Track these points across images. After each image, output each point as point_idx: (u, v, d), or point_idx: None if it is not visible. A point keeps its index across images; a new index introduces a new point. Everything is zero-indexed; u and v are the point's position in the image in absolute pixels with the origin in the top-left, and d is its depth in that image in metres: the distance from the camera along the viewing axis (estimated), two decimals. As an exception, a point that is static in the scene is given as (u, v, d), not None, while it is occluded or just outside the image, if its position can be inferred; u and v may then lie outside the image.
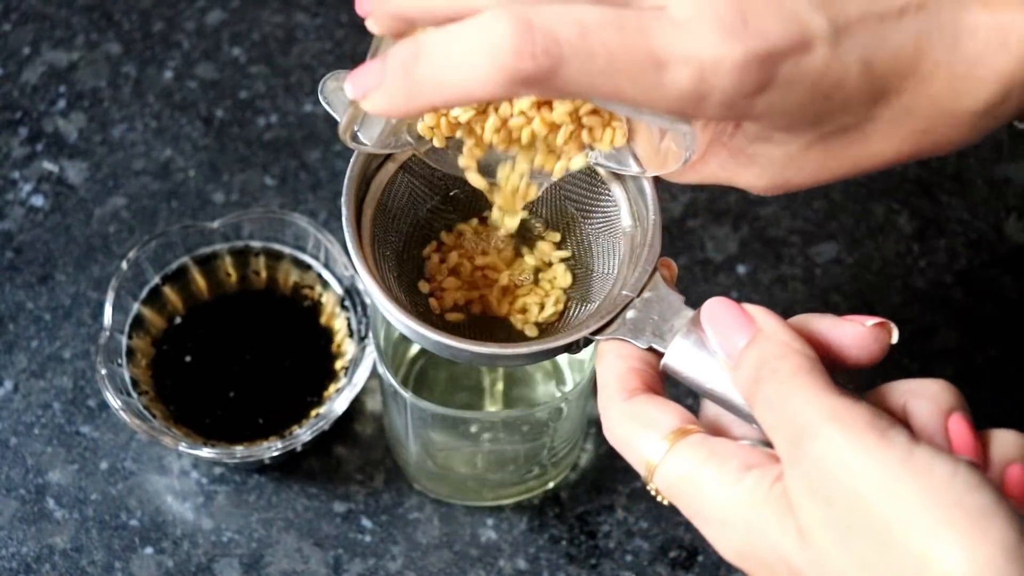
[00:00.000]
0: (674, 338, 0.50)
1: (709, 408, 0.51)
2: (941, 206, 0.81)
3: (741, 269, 0.78)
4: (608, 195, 0.56)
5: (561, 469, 0.72)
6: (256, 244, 0.74)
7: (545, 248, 0.58)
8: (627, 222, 0.56)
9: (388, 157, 0.56)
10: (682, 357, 0.49)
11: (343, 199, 0.54)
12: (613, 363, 0.50)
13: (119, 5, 0.87)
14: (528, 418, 0.66)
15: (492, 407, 0.72)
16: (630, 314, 0.51)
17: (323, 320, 0.73)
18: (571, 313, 0.57)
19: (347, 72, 0.51)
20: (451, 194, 0.58)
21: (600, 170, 0.55)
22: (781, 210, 0.80)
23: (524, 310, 0.57)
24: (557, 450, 0.69)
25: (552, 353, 0.53)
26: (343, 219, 0.53)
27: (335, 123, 0.85)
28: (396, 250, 0.56)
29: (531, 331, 0.56)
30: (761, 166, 0.49)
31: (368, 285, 0.52)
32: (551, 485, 0.72)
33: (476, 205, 0.58)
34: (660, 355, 0.50)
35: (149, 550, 0.70)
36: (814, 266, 0.78)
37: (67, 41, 0.85)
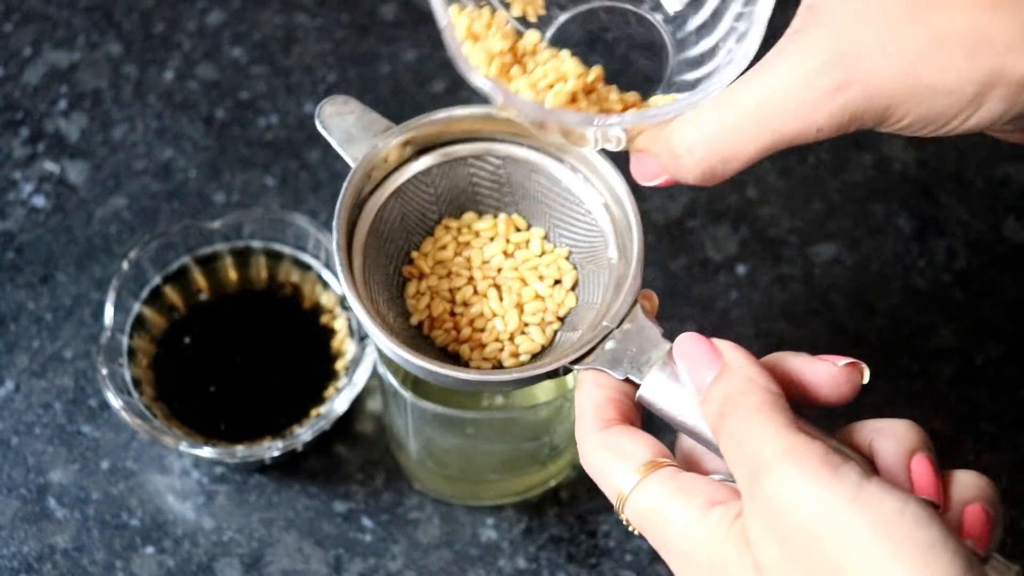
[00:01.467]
0: (650, 370, 0.51)
1: (685, 442, 0.51)
2: (941, 206, 0.81)
3: (740, 269, 0.78)
4: (595, 226, 0.57)
5: (561, 468, 0.72)
6: (257, 244, 0.74)
7: (561, 263, 0.58)
8: (613, 254, 0.57)
9: (381, 183, 0.57)
10: (657, 389, 0.50)
11: (335, 223, 0.54)
12: (591, 392, 0.51)
13: (120, 6, 0.87)
14: (528, 418, 0.66)
15: (492, 407, 0.72)
16: (609, 344, 0.52)
17: (323, 320, 0.74)
18: (557, 340, 0.57)
19: (343, 97, 0.55)
20: (442, 221, 0.59)
21: (588, 202, 0.57)
22: (780, 210, 0.80)
23: (508, 340, 0.57)
24: (557, 450, 0.69)
25: (532, 381, 0.54)
26: (334, 243, 0.54)
27: (336, 123, 0.85)
28: (387, 275, 0.57)
29: (510, 361, 0.57)
30: None
31: (356, 309, 0.53)
32: (551, 484, 0.72)
33: (465, 233, 0.59)
34: (637, 386, 0.51)
35: (150, 549, 0.70)
36: (813, 266, 0.78)
37: (68, 42, 0.85)
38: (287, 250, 0.74)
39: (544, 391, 0.72)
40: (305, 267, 0.74)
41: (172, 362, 0.72)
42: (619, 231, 0.57)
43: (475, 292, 0.58)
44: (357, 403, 0.74)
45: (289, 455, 0.70)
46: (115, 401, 0.68)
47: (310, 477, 0.72)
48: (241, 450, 0.68)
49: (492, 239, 0.58)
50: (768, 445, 0.44)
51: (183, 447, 0.68)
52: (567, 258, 0.58)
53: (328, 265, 0.74)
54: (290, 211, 0.76)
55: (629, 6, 0.64)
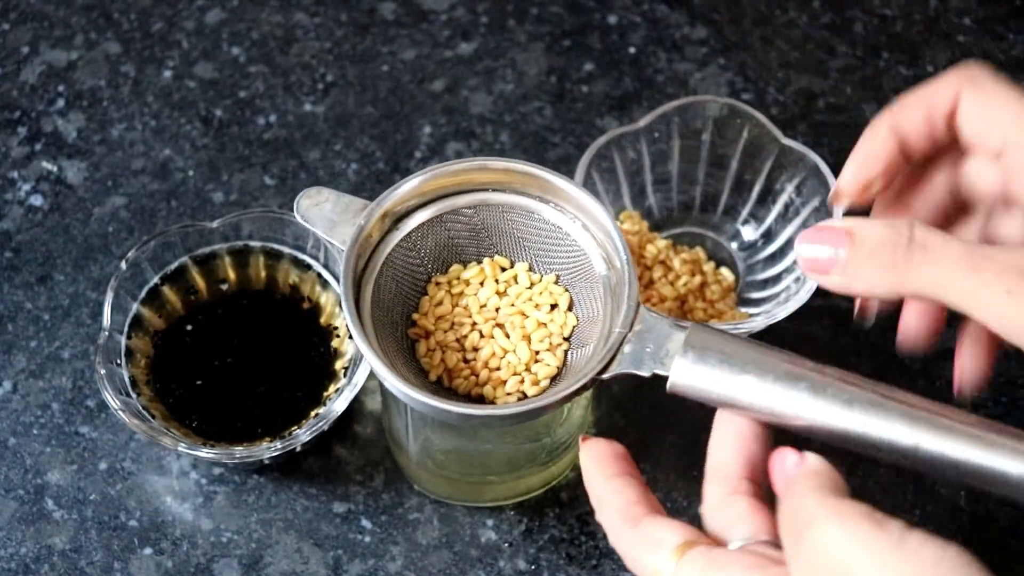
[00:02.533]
0: (673, 360, 0.54)
1: (711, 521, 0.53)
2: (942, 206, 0.80)
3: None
4: (576, 246, 0.61)
5: (561, 470, 0.72)
6: (255, 244, 0.74)
7: (552, 288, 0.62)
8: (600, 266, 0.60)
9: (370, 259, 0.60)
10: (686, 374, 0.54)
11: (344, 307, 0.58)
12: (611, 500, 0.53)
13: (118, 4, 0.87)
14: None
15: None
16: (627, 349, 0.56)
17: (323, 320, 0.73)
18: (570, 360, 0.61)
19: (315, 188, 0.61)
20: (432, 279, 0.62)
21: (564, 226, 0.61)
22: (781, 210, 0.80)
23: (525, 370, 0.61)
24: (557, 451, 0.69)
25: (568, 399, 0.57)
26: (348, 322, 0.57)
27: (334, 123, 0.85)
28: (396, 340, 0.61)
29: (532, 390, 0.60)
30: None
31: (377, 370, 0.57)
32: (551, 485, 0.72)
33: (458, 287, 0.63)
34: (664, 379, 0.54)
35: (148, 551, 0.70)
36: (814, 266, 0.78)
37: (66, 40, 0.85)
38: (286, 250, 0.74)
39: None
40: (304, 267, 0.74)
41: (170, 362, 0.72)
42: (600, 244, 0.60)
43: (481, 336, 0.61)
44: (356, 403, 0.74)
45: (288, 456, 0.70)
46: (113, 401, 0.68)
47: (309, 478, 0.72)
48: (240, 451, 0.68)
49: (482, 283, 0.62)
50: (814, 506, 0.46)
51: (181, 448, 0.67)
52: (556, 282, 0.62)
53: (327, 265, 0.73)
54: (289, 210, 0.76)
55: (711, 233, 0.78)
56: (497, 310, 0.62)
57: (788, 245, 0.76)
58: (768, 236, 0.77)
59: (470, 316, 0.62)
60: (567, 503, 0.72)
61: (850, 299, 0.78)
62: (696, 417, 0.74)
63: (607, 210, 0.59)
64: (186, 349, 0.73)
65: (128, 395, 0.69)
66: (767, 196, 0.78)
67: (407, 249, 0.61)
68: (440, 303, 0.62)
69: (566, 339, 0.61)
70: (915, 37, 0.87)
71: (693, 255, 0.76)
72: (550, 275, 0.62)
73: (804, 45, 0.87)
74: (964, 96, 0.54)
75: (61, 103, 0.83)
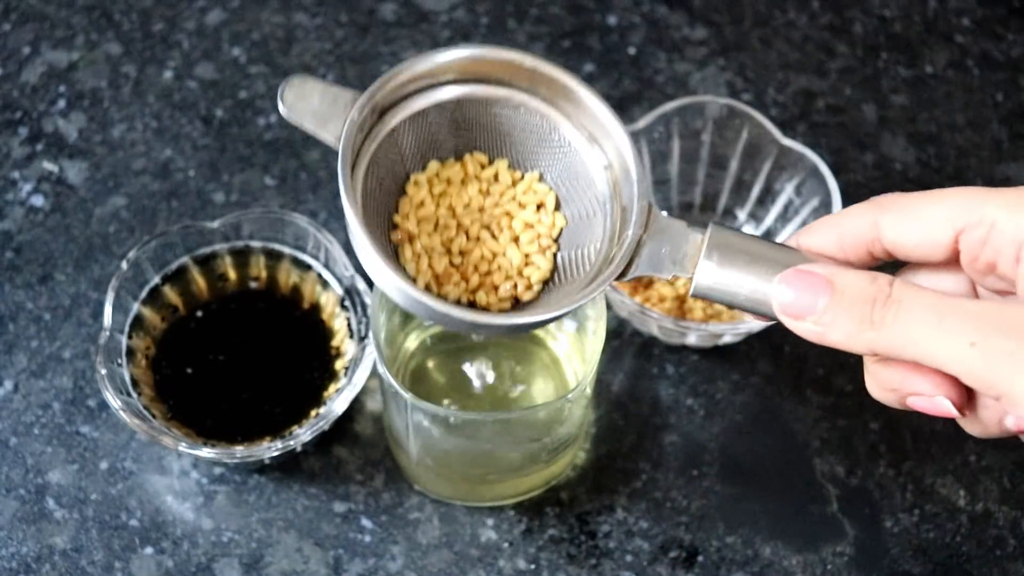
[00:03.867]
0: (695, 262, 0.52)
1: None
2: (941, 206, 0.80)
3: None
4: (564, 142, 0.57)
5: (561, 469, 0.72)
6: (256, 244, 0.74)
7: (536, 186, 0.58)
8: (596, 165, 0.57)
9: (359, 155, 0.56)
10: (711, 275, 0.52)
11: (345, 203, 0.53)
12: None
13: (119, 5, 0.87)
14: (528, 418, 0.66)
15: (492, 407, 0.72)
16: (643, 252, 0.53)
17: (323, 320, 0.73)
18: (560, 263, 0.57)
19: (299, 78, 0.55)
20: (410, 178, 0.58)
21: (553, 118, 0.57)
22: (781, 210, 0.80)
23: (517, 274, 0.57)
24: (557, 451, 0.69)
25: (582, 303, 0.53)
26: (349, 218, 0.53)
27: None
28: (382, 244, 0.56)
29: (527, 295, 0.57)
30: None
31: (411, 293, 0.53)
32: (551, 484, 0.72)
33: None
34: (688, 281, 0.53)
35: (149, 550, 0.70)
36: (814, 266, 0.78)
37: (67, 41, 0.85)
38: (286, 250, 0.74)
39: (544, 393, 0.72)
40: (305, 267, 0.74)
41: (171, 362, 0.72)
42: (599, 140, 0.57)
43: (468, 238, 0.57)
44: (357, 403, 0.74)
45: (288, 455, 0.70)
46: (114, 401, 0.68)
47: (309, 477, 0.72)
48: (240, 450, 0.68)
49: (463, 181, 0.58)
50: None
51: (182, 447, 0.67)
52: (540, 180, 0.58)
53: (328, 265, 0.73)
54: (289, 211, 0.76)
55: None
56: (481, 210, 0.58)
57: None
58: (768, 236, 0.78)
59: (455, 217, 0.58)
60: (567, 503, 0.72)
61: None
62: (696, 417, 0.75)
63: (608, 107, 0.56)
64: (187, 349, 0.73)
65: (129, 395, 0.69)
66: (767, 196, 0.78)
67: (390, 145, 0.57)
68: (422, 204, 0.58)
69: (555, 240, 0.58)
70: (914, 37, 0.87)
71: None
72: (533, 172, 0.58)
73: (804, 46, 0.87)
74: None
75: (62, 103, 0.83)
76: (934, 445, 0.74)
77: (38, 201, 0.80)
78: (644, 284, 0.75)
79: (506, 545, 0.71)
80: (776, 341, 0.76)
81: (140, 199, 0.80)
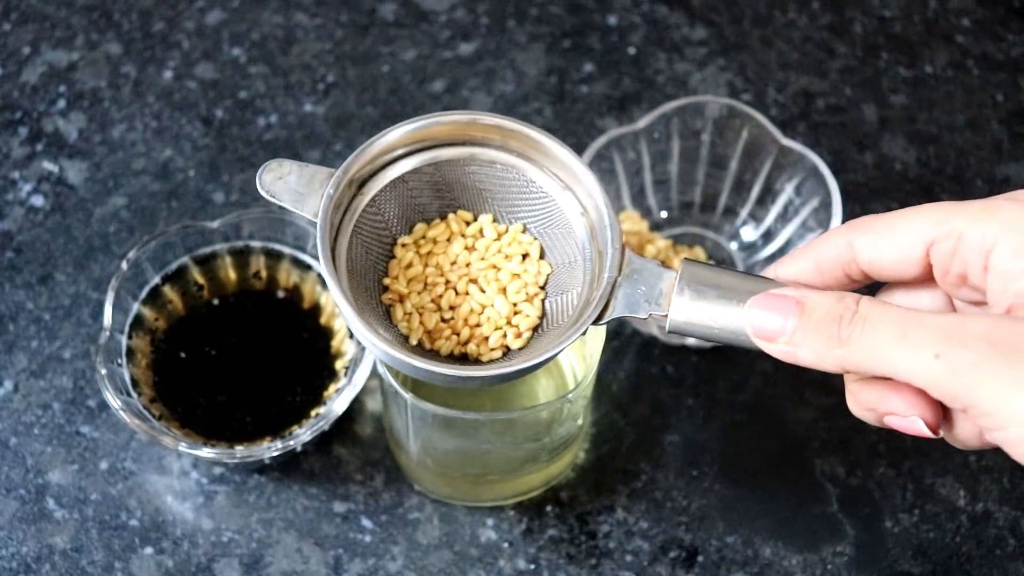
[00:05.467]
0: (669, 299, 0.54)
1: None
2: (941, 206, 0.80)
3: (742, 269, 0.78)
4: (542, 192, 0.59)
5: (561, 469, 0.72)
6: (256, 244, 0.74)
7: (520, 237, 0.60)
8: (574, 211, 0.58)
9: (339, 229, 0.58)
10: (685, 311, 0.53)
11: (325, 274, 0.56)
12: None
13: (119, 5, 0.87)
14: (528, 418, 0.66)
15: (492, 407, 0.72)
16: (619, 294, 0.55)
17: (323, 320, 0.73)
18: (549, 309, 0.59)
19: (276, 161, 0.58)
20: (397, 242, 0.60)
21: (529, 172, 0.59)
22: (781, 210, 0.80)
23: (507, 323, 0.59)
24: (557, 451, 0.69)
25: (561, 350, 0.55)
26: (335, 295, 0.55)
27: (335, 123, 0.85)
28: (373, 308, 0.59)
29: (516, 343, 0.58)
30: None
31: (359, 332, 0.55)
32: (551, 484, 0.72)
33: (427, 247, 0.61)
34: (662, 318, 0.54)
35: (149, 550, 0.70)
36: (814, 266, 0.78)
37: (67, 41, 0.85)
38: (286, 250, 0.74)
39: (544, 392, 0.72)
40: (304, 267, 0.74)
41: (171, 362, 0.72)
42: (571, 187, 0.58)
43: (456, 293, 0.59)
44: (357, 403, 0.74)
45: (288, 455, 0.70)
46: (114, 401, 0.68)
47: (309, 477, 0.72)
48: (240, 450, 0.68)
49: (449, 239, 0.60)
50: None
51: (182, 447, 0.67)
52: (524, 231, 0.60)
53: (327, 265, 0.73)
54: (289, 211, 0.76)
55: (711, 233, 0.77)
56: (468, 265, 0.60)
57: (788, 245, 0.76)
58: (768, 236, 0.78)
59: (443, 275, 0.60)
60: (567, 503, 0.72)
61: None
62: (696, 417, 0.75)
63: (574, 155, 0.58)
64: (187, 349, 0.73)
65: (129, 395, 0.69)
66: (767, 196, 0.78)
67: (373, 214, 0.59)
68: (410, 265, 0.60)
69: (542, 288, 0.59)
70: (914, 38, 0.87)
71: (693, 255, 0.76)
72: (516, 224, 0.60)
73: (803, 46, 0.87)
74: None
75: (62, 103, 0.83)
76: (934, 445, 0.74)
77: (38, 201, 0.80)
78: None
79: (506, 545, 0.71)
80: (776, 341, 0.76)
81: (140, 199, 0.80)
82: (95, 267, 0.78)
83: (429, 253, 0.60)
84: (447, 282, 0.60)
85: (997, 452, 0.73)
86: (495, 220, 0.60)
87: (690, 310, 0.53)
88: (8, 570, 0.69)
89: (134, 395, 0.70)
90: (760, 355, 0.76)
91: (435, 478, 0.70)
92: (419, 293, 0.59)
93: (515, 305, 0.59)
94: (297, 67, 0.85)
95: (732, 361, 0.76)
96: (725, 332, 0.53)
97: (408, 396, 0.63)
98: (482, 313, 0.59)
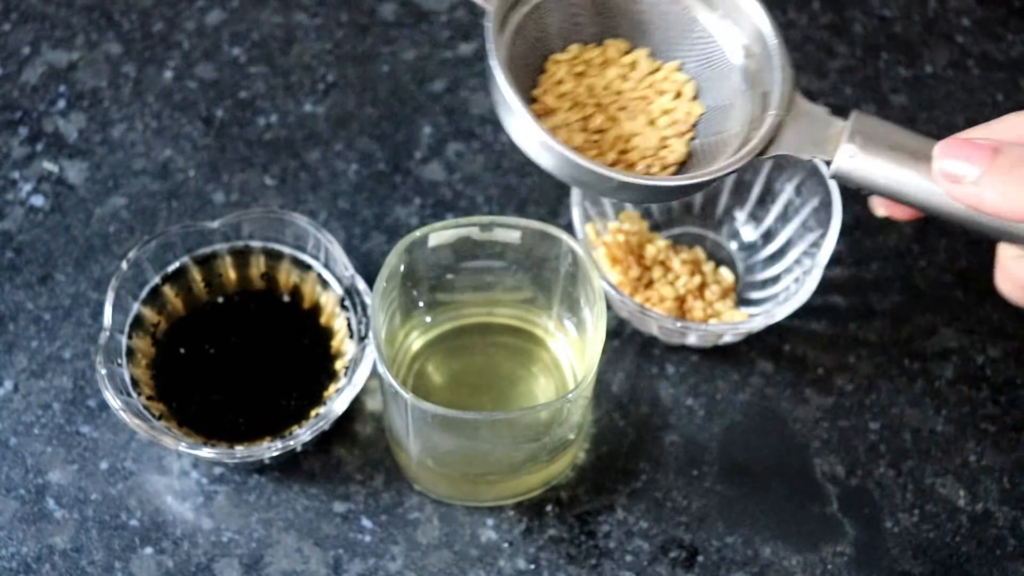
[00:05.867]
0: (840, 145, 0.53)
1: None
2: (941, 206, 0.80)
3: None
4: (704, 33, 0.58)
5: (561, 469, 0.72)
6: (256, 244, 0.74)
7: (674, 76, 0.60)
8: (736, 54, 0.58)
9: (503, 25, 0.57)
10: (851, 160, 0.53)
11: (494, 69, 0.55)
12: None
13: (119, 5, 0.87)
14: (528, 418, 0.66)
15: (492, 407, 0.72)
16: (785, 133, 0.55)
17: (323, 320, 0.73)
18: (696, 150, 0.59)
19: None
20: (550, 57, 0.59)
21: (692, 7, 0.58)
22: (781, 210, 0.80)
23: (653, 155, 0.58)
24: (557, 451, 0.69)
25: (727, 175, 0.55)
26: (497, 78, 0.55)
27: (335, 123, 0.85)
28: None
29: (664, 175, 0.58)
30: None
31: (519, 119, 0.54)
32: (551, 484, 0.72)
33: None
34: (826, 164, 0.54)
35: (149, 550, 0.70)
36: (814, 266, 0.78)
37: (67, 41, 0.85)
38: (286, 250, 0.74)
39: (544, 392, 0.72)
40: (305, 267, 0.74)
41: (171, 362, 0.72)
42: (739, 24, 0.58)
43: (606, 118, 0.58)
44: (357, 403, 0.74)
45: (288, 455, 0.70)
46: (114, 401, 0.68)
47: (309, 477, 0.72)
48: (240, 450, 0.68)
49: (603, 64, 0.59)
50: None
51: (182, 447, 0.67)
52: (679, 70, 0.59)
53: (328, 265, 0.73)
54: (289, 211, 0.76)
55: (711, 233, 0.77)
56: (619, 93, 0.59)
57: (788, 245, 0.76)
58: (768, 236, 0.78)
59: (593, 96, 0.59)
60: (567, 503, 0.72)
61: (848, 297, 0.78)
62: (696, 417, 0.75)
63: None
64: (187, 349, 0.73)
65: (129, 395, 0.69)
66: (767, 196, 0.78)
67: (536, 19, 0.58)
68: (561, 81, 0.59)
69: (692, 127, 0.59)
70: (914, 38, 0.87)
71: (693, 255, 0.76)
72: (672, 62, 0.60)
73: (803, 46, 0.87)
74: None
75: (62, 103, 0.83)
76: (934, 445, 0.74)
77: (38, 201, 0.80)
78: (645, 284, 0.75)
79: (506, 545, 0.71)
80: (776, 341, 0.76)
81: (140, 199, 0.80)
82: (95, 267, 0.78)
83: (581, 74, 0.59)
84: (598, 104, 0.59)
85: (997, 452, 0.73)
86: (652, 55, 0.60)
87: (857, 160, 0.53)
88: (8, 570, 0.69)
89: (134, 395, 0.70)
90: (760, 355, 0.76)
91: (435, 478, 0.70)
92: (567, 110, 0.58)
93: (664, 139, 0.58)
94: (297, 67, 0.85)
95: (732, 361, 0.76)
96: (891, 183, 0.53)
97: (408, 396, 0.63)
98: (630, 140, 0.58)
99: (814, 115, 0.55)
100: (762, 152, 0.55)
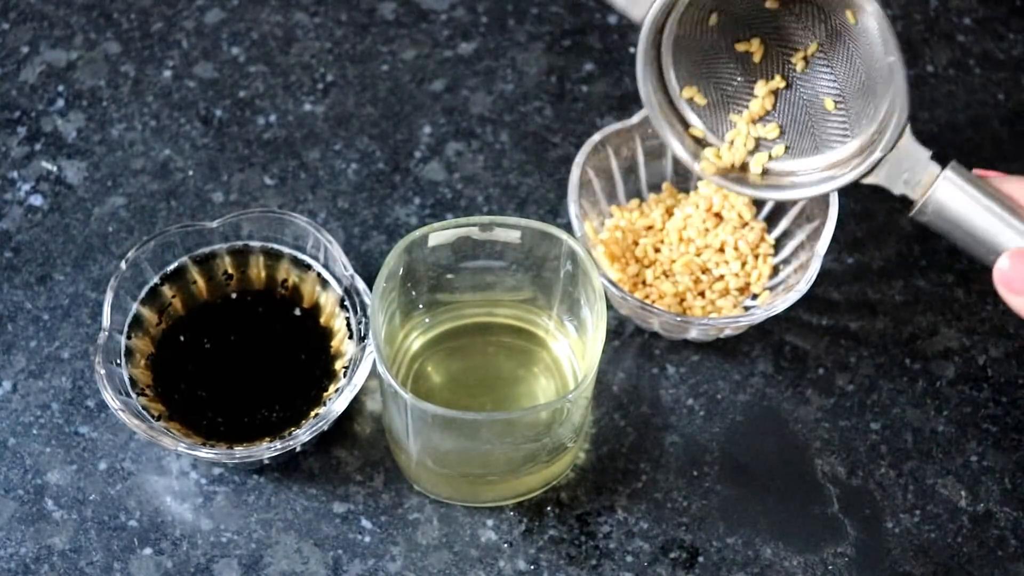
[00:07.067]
0: (934, 183, 0.60)
1: None
2: (942, 206, 0.80)
3: (741, 269, 0.78)
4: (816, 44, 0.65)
5: (561, 470, 0.72)
6: (255, 244, 0.74)
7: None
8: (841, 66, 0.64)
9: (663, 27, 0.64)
10: (936, 208, 0.60)
11: (640, 69, 0.65)
12: None
13: (118, 4, 0.86)
14: (529, 418, 0.66)
15: (492, 407, 0.71)
16: (884, 165, 0.60)
17: (322, 320, 0.73)
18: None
19: None
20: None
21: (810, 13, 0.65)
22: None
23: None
24: (557, 451, 0.69)
25: (823, 191, 0.64)
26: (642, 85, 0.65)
27: (334, 123, 0.85)
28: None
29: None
30: None
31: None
32: (551, 485, 0.72)
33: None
34: (910, 204, 0.61)
35: (148, 551, 0.70)
36: (815, 266, 0.78)
37: (66, 40, 0.85)
38: (286, 250, 0.74)
39: (544, 392, 0.72)
40: (304, 267, 0.74)
41: (170, 362, 0.72)
42: (862, 37, 0.62)
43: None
44: (356, 404, 0.74)
45: (288, 456, 0.70)
46: (113, 402, 0.68)
47: (309, 478, 0.72)
48: (239, 451, 0.68)
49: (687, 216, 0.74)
50: None
51: (181, 448, 0.67)
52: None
53: (327, 265, 0.73)
54: (289, 210, 0.76)
55: None
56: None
57: (785, 237, 0.76)
58: (767, 226, 0.77)
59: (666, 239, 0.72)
60: (567, 503, 0.72)
61: (848, 297, 0.78)
62: (696, 417, 0.74)
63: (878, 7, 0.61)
64: (186, 349, 0.72)
65: (128, 395, 0.69)
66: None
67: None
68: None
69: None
70: (915, 37, 0.87)
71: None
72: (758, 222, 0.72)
73: (804, 45, 0.86)
74: None
75: (61, 103, 0.83)
76: (935, 446, 0.73)
77: (37, 201, 0.80)
78: (643, 281, 0.75)
79: (506, 546, 0.71)
80: (776, 341, 0.76)
81: (139, 199, 0.80)
82: (94, 267, 0.78)
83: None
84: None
85: (999, 452, 0.73)
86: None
87: (941, 209, 0.59)
88: (7, 571, 0.69)
89: (133, 395, 0.70)
90: (760, 355, 0.76)
91: (435, 478, 0.70)
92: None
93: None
94: (297, 66, 0.84)
95: (732, 361, 0.76)
96: (966, 240, 0.59)
97: (408, 396, 0.63)
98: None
99: (915, 156, 0.60)
100: (862, 177, 0.61)
